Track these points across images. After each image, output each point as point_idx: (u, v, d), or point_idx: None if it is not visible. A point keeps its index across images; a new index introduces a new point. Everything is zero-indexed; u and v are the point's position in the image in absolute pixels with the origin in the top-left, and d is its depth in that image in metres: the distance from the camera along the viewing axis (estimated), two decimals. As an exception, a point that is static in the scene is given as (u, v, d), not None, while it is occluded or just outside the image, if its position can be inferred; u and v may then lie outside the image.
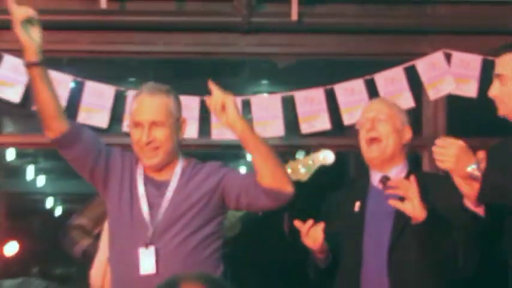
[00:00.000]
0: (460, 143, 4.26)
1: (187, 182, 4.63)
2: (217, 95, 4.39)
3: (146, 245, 4.47)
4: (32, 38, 4.30)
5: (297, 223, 4.72)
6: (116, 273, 4.64)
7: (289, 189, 4.48)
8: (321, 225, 4.70)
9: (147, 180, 4.64)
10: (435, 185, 4.92)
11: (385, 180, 4.94)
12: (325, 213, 5.14)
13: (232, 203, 4.65)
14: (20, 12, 4.31)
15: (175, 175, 4.65)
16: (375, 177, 5.06)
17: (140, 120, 4.52)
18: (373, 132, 4.96)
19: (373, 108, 5.15)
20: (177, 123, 4.63)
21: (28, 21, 4.33)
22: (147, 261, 4.45)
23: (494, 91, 4.63)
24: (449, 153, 4.24)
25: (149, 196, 4.60)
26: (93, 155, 4.58)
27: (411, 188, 4.56)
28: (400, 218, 4.79)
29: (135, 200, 4.60)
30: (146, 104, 4.57)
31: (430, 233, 4.61)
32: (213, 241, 4.62)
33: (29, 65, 4.32)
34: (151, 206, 4.57)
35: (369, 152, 5.01)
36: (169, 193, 4.59)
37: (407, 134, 5.06)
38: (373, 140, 4.97)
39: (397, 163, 5.04)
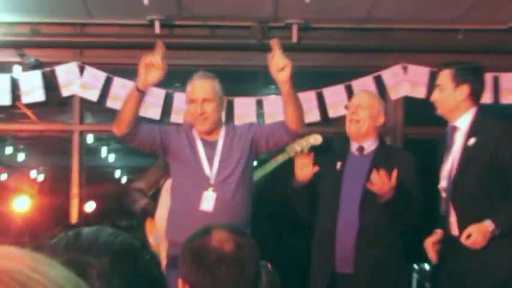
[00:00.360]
0: None
1: (230, 140, 4.87)
2: (280, 58, 4.60)
3: (207, 188, 4.70)
4: (148, 76, 4.57)
5: (298, 157, 5.06)
6: (179, 210, 4.78)
7: (302, 127, 4.83)
8: (315, 168, 4.97)
9: (202, 141, 4.86)
10: (399, 159, 5.04)
11: (360, 149, 5.06)
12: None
13: (263, 146, 4.89)
14: (150, 57, 4.58)
15: (221, 136, 4.87)
16: (353, 146, 5.15)
17: (195, 97, 4.78)
18: (355, 115, 5.08)
19: (359, 97, 5.26)
20: (221, 100, 4.87)
21: (153, 65, 4.55)
22: (207, 201, 4.67)
23: (434, 96, 4.85)
24: None
25: (206, 152, 4.82)
26: (150, 141, 4.80)
27: (382, 178, 4.62)
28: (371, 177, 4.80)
29: (196, 155, 4.82)
30: (199, 85, 4.84)
31: (395, 196, 4.67)
32: (251, 187, 4.91)
33: (137, 89, 4.60)
34: (208, 159, 4.80)
35: (349, 128, 5.13)
36: (218, 150, 4.83)
37: (381, 119, 5.16)
38: (352, 120, 5.09)
39: (370, 138, 5.11)
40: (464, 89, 4.75)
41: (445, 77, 4.81)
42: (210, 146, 4.85)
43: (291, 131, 4.75)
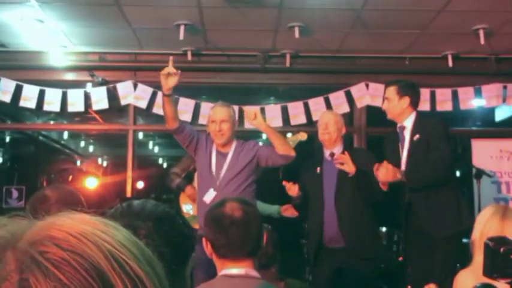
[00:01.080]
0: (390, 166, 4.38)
1: (238, 153, 4.76)
2: (250, 110, 4.67)
3: (213, 189, 4.67)
4: (168, 82, 4.54)
5: (284, 183, 4.80)
6: (199, 202, 4.79)
7: (292, 153, 4.69)
8: (295, 186, 4.79)
9: (217, 152, 4.79)
10: (359, 155, 4.93)
11: (332, 154, 4.90)
12: (302, 174, 5.09)
13: (263, 163, 4.77)
14: (166, 69, 4.56)
15: (231, 149, 4.77)
16: (326, 153, 4.98)
17: (215, 118, 4.73)
18: (326, 130, 4.93)
19: (327, 117, 5.06)
20: (233, 122, 4.80)
21: (169, 74, 4.53)
22: (208, 196, 4.65)
23: (384, 106, 4.83)
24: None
25: (217, 160, 4.76)
26: (189, 138, 4.76)
27: (346, 158, 4.63)
28: (340, 175, 4.80)
29: (210, 161, 4.76)
30: (218, 110, 4.78)
31: (358, 178, 4.64)
32: (252, 186, 4.76)
33: (164, 95, 4.60)
34: (218, 167, 4.74)
35: (323, 137, 4.97)
36: (228, 159, 4.74)
37: (343, 130, 5.01)
38: (325, 134, 4.93)
39: (338, 145, 4.96)
40: (406, 100, 4.74)
41: (391, 91, 4.78)
42: (222, 156, 4.78)
43: (279, 154, 4.69)
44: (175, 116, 4.70)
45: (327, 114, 5.23)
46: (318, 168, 4.99)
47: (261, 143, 4.98)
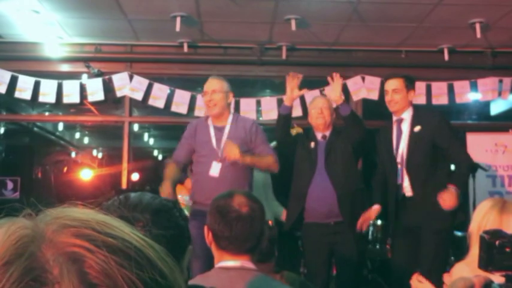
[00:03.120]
0: None
1: (236, 126, 4.73)
2: (229, 152, 4.48)
3: (216, 161, 4.61)
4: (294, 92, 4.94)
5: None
6: (197, 176, 4.74)
7: (276, 169, 4.74)
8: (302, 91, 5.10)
9: (214, 127, 4.73)
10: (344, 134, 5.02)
11: (324, 136, 4.98)
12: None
13: (251, 149, 4.73)
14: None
15: (228, 123, 4.73)
16: (319, 135, 5.03)
17: (206, 90, 4.72)
18: (321, 115, 4.97)
19: (321, 101, 5.12)
20: (226, 93, 4.74)
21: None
22: (214, 169, 4.60)
23: (389, 98, 4.78)
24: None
25: (216, 134, 4.70)
26: (191, 152, 4.79)
27: (336, 84, 4.90)
28: (329, 150, 4.92)
29: (208, 136, 4.71)
30: (210, 82, 4.78)
31: (346, 150, 4.80)
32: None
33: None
34: (217, 140, 4.68)
35: (317, 121, 5.01)
36: (225, 132, 4.69)
37: (334, 115, 5.05)
38: (319, 117, 4.98)
39: (330, 128, 5.02)
40: (412, 93, 4.79)
41: (400, 83, 4.79)
42: (219, 130, 4.72)
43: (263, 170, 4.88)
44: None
45: (321, 98, 5.29)
46: (312, 143, 5.05)
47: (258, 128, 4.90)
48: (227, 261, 2.30)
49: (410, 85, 4.82)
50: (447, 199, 4.40)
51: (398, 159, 4.75)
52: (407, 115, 4.79)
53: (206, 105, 4.78)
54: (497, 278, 1.71)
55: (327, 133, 5.04)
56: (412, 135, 4.70)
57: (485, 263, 1.66)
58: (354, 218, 4.78)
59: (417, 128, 4.70)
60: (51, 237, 0.62)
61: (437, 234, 4.49)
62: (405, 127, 4.78)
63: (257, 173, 5.31)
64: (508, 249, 1.62)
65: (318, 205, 4.86)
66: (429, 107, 6.53)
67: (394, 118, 4.87)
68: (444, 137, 4.64)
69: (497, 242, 1.63)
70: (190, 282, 2.11)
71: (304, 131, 5.61)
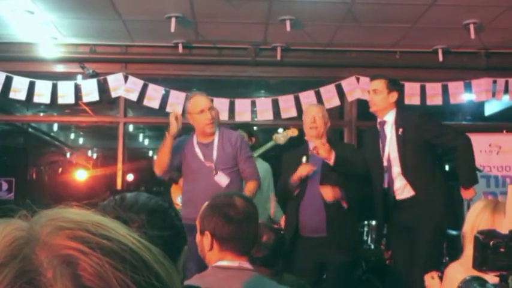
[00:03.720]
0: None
1: (222, 141, 4.64)
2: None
3: (216, 173, 4.53)
4: (175, 125, 4.47)
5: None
6: (189, 193, 4.60)
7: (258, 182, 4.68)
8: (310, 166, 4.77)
9: (199, 144, 4.63)
10: (339, 146, 4.94)
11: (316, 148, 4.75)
12: (287, 163, 5.02)
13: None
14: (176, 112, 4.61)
15: (216, 136, 4.63)
16: (311, 145, 4.84)
17: (204, 107, 4.57)
18: (314, 124, 4.86)
19: (314, 110, 5.00)
20: (217, 111, 4.73)
21: (176, 118, 4.47)
22: (223, 180, 4.52)
23: (369, 98, 4.84)
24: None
25: (202, 151, 4.60)
26: (177, 164, 4.69)
27: (318, 144, 4.57)
28: (324, 167, 4.74)
29: (195, 155, 4.61)
30: (204, 100, 4.63)
31: (339, 165, 4.63)
32: (239, 174, 4.65)
33: (169, 136, 4.50)
34: (207, 156, 4.58)
35: (310, 133, 4.90)
36: (215, 145, 4.60)
37: (328, 124, 4.95)
38: (312, 128, 4.87)
39: (323, 137, 4.86)
40: (395, 95, 4.75)
41: (381, 84, 4.77)
42: (206, 146, 4.64)
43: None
44: (167, 166, 4.64)
45: (314, 107, 5.16)
46: (304, 157, 4.94)
47: (245, 154, 4.81)
48: (225, 261, 2.29)
49: (392, 87, 4.78)
50: (467, 195, 4.55)
51: (385, 163, 4.74)
52: (389, 117, 4.77)
53: (206, 124, 4.60)
54: (492, 278, 1.71)
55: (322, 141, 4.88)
56: (399, 139, 4.69)
57: (480, 263, 1.66)
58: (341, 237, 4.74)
59: (400, 131, 4.69)
60: (46, 239, 0.61)
61: (433, 233, 4.49)
62: (388, 130, 4.77)
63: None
64: (502, 249, 1.63)
65: (309, 219, 4.80)
66: (410, 107, 6.49)
67: (378, 120, 4.87)
68: (431, 131, 4.64)
69: (491, 242, 1.63)
70: (187, 282, 2.11)
71: (299, 132, 5.60)
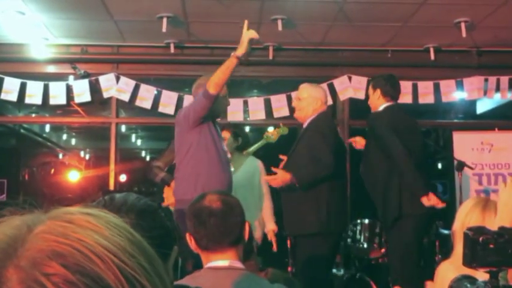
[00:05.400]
0: None
1: None
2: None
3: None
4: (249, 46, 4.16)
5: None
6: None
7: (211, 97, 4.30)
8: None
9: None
10: None
11: None
12: None
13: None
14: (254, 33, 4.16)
15: None
16: None
17: None
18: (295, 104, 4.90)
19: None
20: None
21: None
22: None
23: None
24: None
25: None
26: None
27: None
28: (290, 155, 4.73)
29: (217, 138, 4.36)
30: None
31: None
32: None
33: (237, 58, 4.20)
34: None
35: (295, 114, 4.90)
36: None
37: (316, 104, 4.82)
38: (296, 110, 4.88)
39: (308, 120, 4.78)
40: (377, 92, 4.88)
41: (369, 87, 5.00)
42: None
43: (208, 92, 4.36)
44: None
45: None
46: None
47: None
48: (215, 262, 2.31)
49: (375, 85, 4.94)
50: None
51: None
52: None
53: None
54: (482, 275, 1.72)
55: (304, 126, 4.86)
56: None
57: (470, 260, 1.67)
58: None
59: None
60: (25, 263, 0.59)
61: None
62: None
63: (244, 174, 5.31)
64: (491, 246, 1.64)
65: None
66: (402, 107, 6.50)
67: None
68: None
69: (480, 239, 1.64)
70: (178, 282, 2.11)
71: (290, 131, 5.62)
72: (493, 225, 1.85)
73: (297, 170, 4.43)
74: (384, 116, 4.78)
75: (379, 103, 4.83)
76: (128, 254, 0.63)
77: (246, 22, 4.20)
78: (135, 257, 0.63)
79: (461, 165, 5.66)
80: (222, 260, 2.30)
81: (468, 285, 1.70)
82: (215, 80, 4.16)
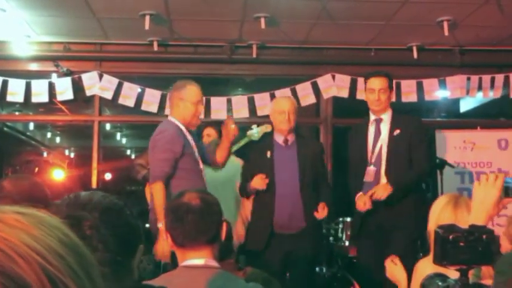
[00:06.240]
0: None
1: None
2: (229, 127, 4.55)
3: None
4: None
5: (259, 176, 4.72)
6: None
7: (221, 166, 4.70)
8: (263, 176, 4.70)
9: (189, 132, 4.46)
10: (309, 143, 5.07)
11: (286, 141, 4.88)
12: (250, 159, 5.02)
13: None
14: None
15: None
16: (279, 139, 4.90)
17: (201, 99, 4.45)
18: (287, 118, 4.81)
19: (287, 105, 4.90)
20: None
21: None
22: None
23: (375, 97, 4.80)
24: None
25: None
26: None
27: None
28: (302, 160, 4.81)
29: (191, 148, 4.39)
30: (200, 93, 4.46)
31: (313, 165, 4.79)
32: None
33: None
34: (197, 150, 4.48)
35: (283, 126, 4.84)
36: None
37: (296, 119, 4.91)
38: (285, 121, 4.81)
39: (292, 132, 4.89)
40: (392, 94, 4.93)
41: (385, 83, 4.85)
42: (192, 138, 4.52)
43: (217, 162, 4.62)
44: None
45: (287, 101, 5.04)
46: (269, 153, 4.91)
47: None
48: (190, 260, 2.29)
49: (392, 85, 4.92)
50: (380, 191, 4.56)
51: (373, 160, 4.78)
52: (387, 116, 4.85)
53: (196, 116, 4.44)
54: (453, 273, 1.72)
55: (289, 137, 4.94)
56: (392, 139, 4.75)
57: (440, 258, 1.67)
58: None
59: (397, 132, 4.76)
60: None
61: (409, 236, 4.56)
62: (384, 128, 4.83)
63: (225, 173, 5.29)
64: (461, 244, 1.64)
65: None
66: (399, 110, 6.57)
67: (373, 117, 4.91)
68: (415, 142, 4.72)
69: (451, 237, 1.64)
70: (150, 281, 2.09)
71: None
72: (465, 222, 1.85)
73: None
74: None
75: (389, 106, 4.88)
76: (57, 254, 0.62)
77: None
78: (64, 259, 0.62)
79: (443, 163, 5.68)
80: (197, 259, 2.28)
81: (439, 283, 1.70)
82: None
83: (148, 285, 1.43)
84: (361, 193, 4.73)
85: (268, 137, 5.03)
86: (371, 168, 4.79)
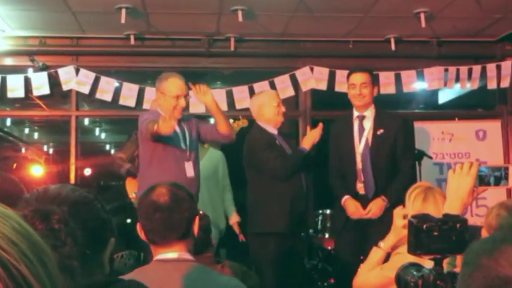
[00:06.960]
0: None
1: (189, 126, 4.58)
2: (201, 88, 4.52)
3: (187, 161, 4.44)
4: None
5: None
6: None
7: (233, 136, 4.63)
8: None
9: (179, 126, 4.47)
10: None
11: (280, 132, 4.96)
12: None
13: (202, 138, 4.70)
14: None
15: (186, 123, 4.57)
16: (269, 128, 4.94)
17: (181, 93, 4.43)
18: (282, 113, 4.93)
19: (277, 96, 5.06)
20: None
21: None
22: (190, 170, 4.44)
23: (362, 91, 4.79)
24: None
25: (182, 135, 4.50)
26: None
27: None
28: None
29: (178, 137, 4.46)
30: (182, 86, 4.50)
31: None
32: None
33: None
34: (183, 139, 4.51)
35: (280, 118, 4.94)
36: (187, 133, 4.50)
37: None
38: (281, 113, 4.91)
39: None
40: (376, 90, 4.92)
41: (368, 78, 4.85)
42: (182, 131, 4.54)
43: (222, 134, 4.55)
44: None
45: (276, 93, 5.34)
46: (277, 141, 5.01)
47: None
48: (164, 254, 2.29)
49: (374, 81, 4.91)
50: (375, 210, 4.62)
51: (358, 158, 4.80)
52: (370, 113, 4.86)
53: (178, 111, 4.43)
54: (427, 262, 1.72)
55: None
56: (376, 138, 4.77)
57: (414, 247, 1.67)
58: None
59: (380, 131, 4.78)
60: None
61: (389, 227, 4.54)
62: (367, 126, 4.84)
63: (207, 167, 5.29)
64: (435, 233, 1.64)
65: None
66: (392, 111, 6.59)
67: (356, 114, 4.90)
68: (400, 143, 4.79)
69: (424, 226, 1.64)
70: (126, 276, 2.07)
71: (250, 123, 5.60)
72: (438, 212, 1.86)
73: None
74: None
75: (371, 102, 4.87)
76: (9, 241, 0.63)
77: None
78: (17, 245, 0.63)
79: (421, 154, 5.71)
80: (171, 252, 2.27)
81: (414, 272, 1.70)
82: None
83: (118, 279, 1.41)
84: (348, 197, 4.75)
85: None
86: (361, 185, 4.81)
